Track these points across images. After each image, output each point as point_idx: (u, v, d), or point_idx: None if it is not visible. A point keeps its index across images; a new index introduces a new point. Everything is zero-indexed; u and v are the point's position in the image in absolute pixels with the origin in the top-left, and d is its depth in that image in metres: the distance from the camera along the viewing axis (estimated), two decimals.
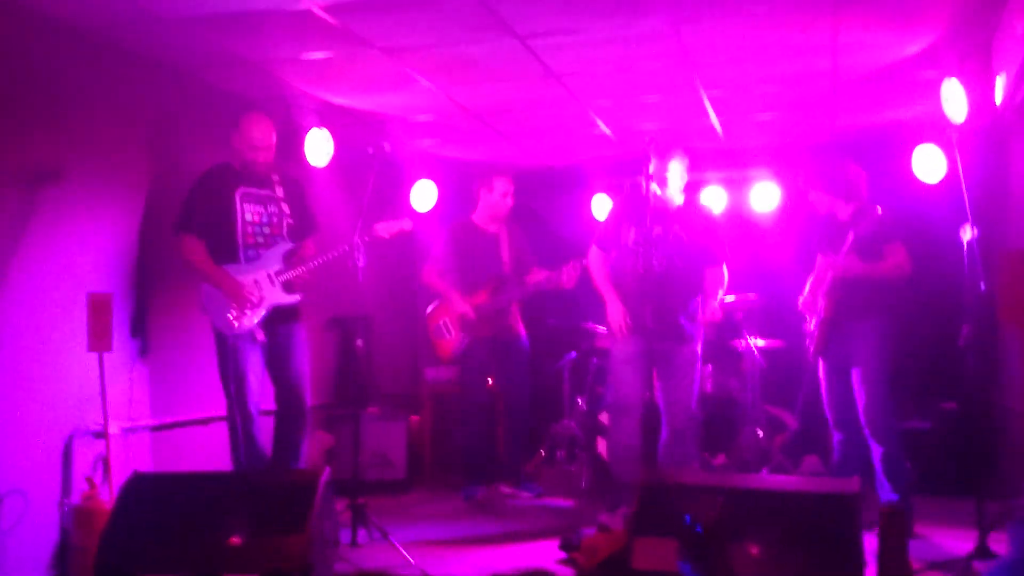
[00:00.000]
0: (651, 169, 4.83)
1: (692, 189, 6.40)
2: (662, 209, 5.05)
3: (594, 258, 5.38)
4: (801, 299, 5.21)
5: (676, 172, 5.15)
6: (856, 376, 4.88)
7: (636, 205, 5.13)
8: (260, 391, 4.76)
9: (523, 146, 7.07)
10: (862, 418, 4.84)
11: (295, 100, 5.68)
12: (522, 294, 6.00)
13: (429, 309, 6.21)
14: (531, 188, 7.70)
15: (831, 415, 5.11)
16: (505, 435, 6.23)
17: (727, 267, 5.28)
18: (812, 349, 5.10)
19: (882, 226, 4.80)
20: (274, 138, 4.87)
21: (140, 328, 4.91)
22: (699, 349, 5.17)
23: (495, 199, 6.08)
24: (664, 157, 5.09)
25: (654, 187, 4.96)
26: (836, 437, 5.11)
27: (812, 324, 5.11)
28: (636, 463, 5.02)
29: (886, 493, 4.78)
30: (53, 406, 4.29)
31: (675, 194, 5.20)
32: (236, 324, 4.62)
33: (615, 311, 5.15)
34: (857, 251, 4.83)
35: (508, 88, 5.59)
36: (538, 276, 5.97)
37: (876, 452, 4.81)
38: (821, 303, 4.99)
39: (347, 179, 6.18)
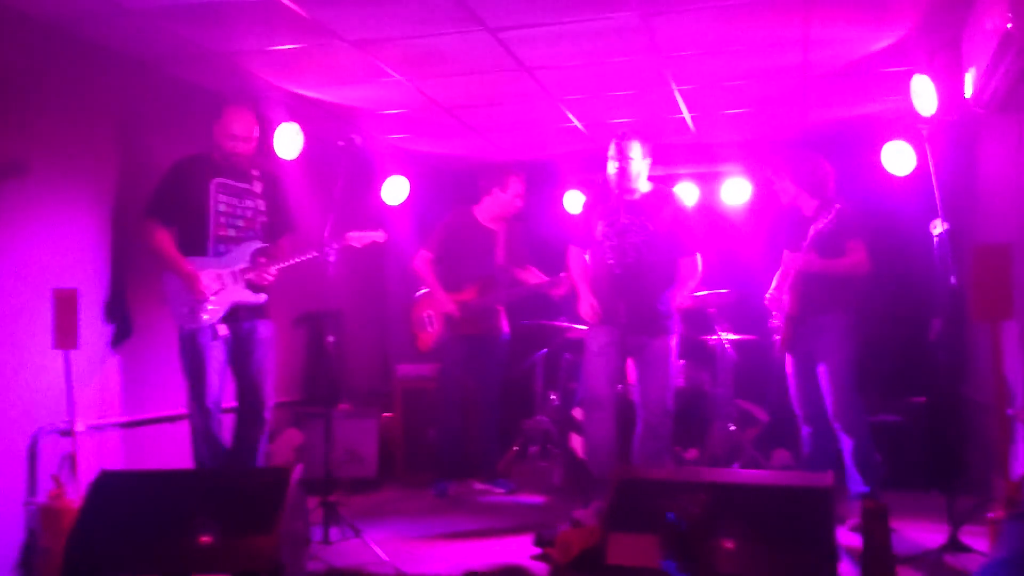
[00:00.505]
0: (609, 160, 4.92)
1: (664, 182, 6.40)
2: (627, 200, 5.02)
3: (572, 256, 5.36)
4: (768, 295, 5.23)
5: (633, 160, 5.02)
6: (822, 370, 4.91)
7: (603, 199, 5.16)
8: (221, 387, 4.71)
9: (494, 140, 7.05)
10: (830, 412, 4.86)
11: (264, 93, 5.62)
12: (509, 297, 5.96)
13: (417, 295, 6.15)
14: None
15: (799, 410, 5.14)
16: (477, 431, 6.20)
17: (701, 257, 5.24)
18: (779, 344, 5.11)
19: (843, 223, 4.84)
20: (256, 131, 4.83)
21: (114, 323, 4.85)
22: (675, 343, 5.12)
23: (508, 198, 6.01)
24: (619, 146, 5.01)
25: (613, 177, 4.99)
26: (805, 431, 5.14)
27: (777, 319, 5.13)
28: (609, 457, 5.02)
29: (856, 486, 4.81)
30: (18, 404, 4.21)
31: (638, 183, 5.15)
32: (192, 318, 4.56)
33: (584, 304, 5.15)
34: (818, 247, 4.86)
35: (479, 82, 5.56)
36: (532, 279, 5.93)
37: (846, 445, 4.83)
38: (786, 298, 5.02)
39: (317, 172, 6.12)
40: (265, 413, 4.88)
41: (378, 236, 5.00)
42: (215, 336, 4.63)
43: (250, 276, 4.71)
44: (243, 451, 4.80)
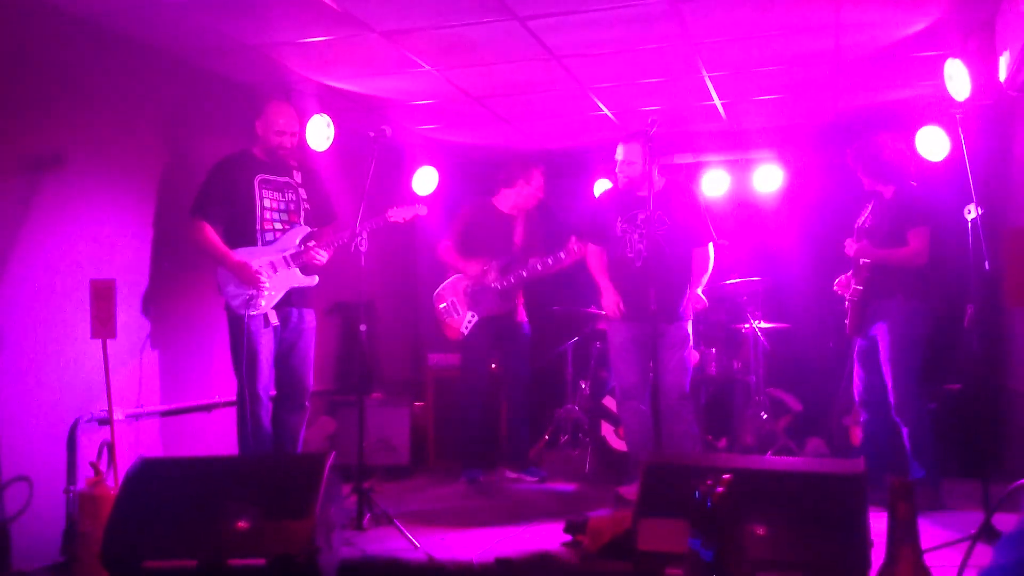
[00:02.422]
0: (617, 157, 5.19)
1: (693, 170, 6.37)
2: (642, 195, 5.00)
3: (589, 253, 5.52)
4: (837, 281, 5.21)
5: (634, 164, 5.19)
6: (883, 356, 4.91)
7: (618, 194, 5.35)
8: (270, 375, 4.80)
9: (524, 130, 7.05)
10: (890, 398, 4.86)
11: (295, 85, 5.67)
12: (529, 275, 5.98)
13: (437, 290, 6.20)
14: None
15: (857, 394, 5.16)
16: (507, 420, 6.23)
17: (726, 246, 5.30)
18: (847, 328, 5.12)
19: (903, 208, 4.83)
20: (298, 124, 4.97)
21: (152, 314, 4.93)
22: (689, 328, 5.25)
23: (531, 191, 6.09)
24: (622, 151, 5.23)
25: (620, 182, 5.23)
26: (862, 416, 5.17)
27: (847, 304, 5.14)
28: (647, 442, 5.05)
29: (915, 471, 4.84)
30: (58, 393, 4.28)
31: (650, 181, 5.13)
32: (251, 305, 4.66)
33: (608, 299, 5.31)
34: (880, 233, 4.87)
35: (508, 71, 5.56)
36: (541, 259, 5.96)
37: (903, 432, 4.87)
38: (852, 282, 5.03)
39: (348, 163, 6.16)
40: (306, 401, 4.97)
41: (420, 210, 5.13)
42: (267, 324, 4.74)
43: (303, 258, 4.81)
44: (283, 438, 4.88)
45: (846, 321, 5.14)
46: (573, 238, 5.70)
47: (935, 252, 4.92)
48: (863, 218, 5.17)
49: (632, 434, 5.28)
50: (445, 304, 6.10)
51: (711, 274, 5.40)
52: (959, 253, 4.58)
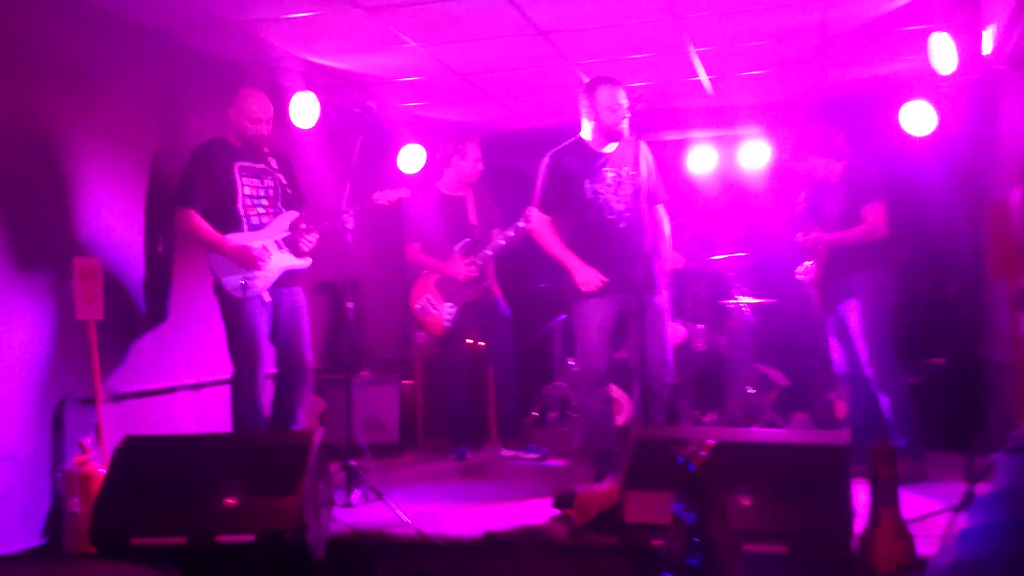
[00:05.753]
0: (584, 112, 4.82)
1: (680, 148, 6.34)
2: (608, 154, 4.76)
3: (539, 223, 4.94)
4: (800, 268, 5.20)
5: (610, 104, 4.76)
6: (854, 330, 4.93)
7: (579, 156, 4.86)
8: (268, 355, 4.84)
9: (510, 106, 7.02)
10: (866, 370, 4.89)
11: (279, 62, 5.63)
12: (494, 251, 5.97)
13: (410, 293, 6.19)
14: (519, 150, 7.68)
15: (837, 369, 5.19)
16: (498, 399, 6.24)
17: (667, 208, 5.03)
18: (815, 308, 5.14)
19: (856, 185, 4.84)
20: (271, 111, 4.92)
21: (150, 305, 4.96)
22: (666, 299, 4.94)
23: (468, 165, 6.06)
24: (591, 93, 4.80)
25: (588, 131, 4.83)
26: (844, 391, 5.19)
27: (811, 287, 5.16)
28: (610, 430, 4.95)
29: (897, 441, 4.86)
30: (44, 372, 4.27)
31: (619, 130, 4.80)
32: (248, 289, 4.65)
33: (584, 273, 4.72)
34: (834, 217, 4.88)
35: (494, 47, 5.54)
36: (502, 233, 5.92)
37: (883, 402, 4.89)
38: (813, 266, 5.05)
39: (333, 141, 6.14)
40: (308, 376, 4.99)
41: (403, 193, 5.13)
42: (263, 303, 4.76)
43: (297, 242, 4.83)
44: (285, 415, 4.92)
45: (813, 303, 5.16)
46: (530, 207, 5.63)
47: (898, 222, 4.93)
48: (801, 205, 5.18)
49: (600, 424, 4.88)
50: (420, 304, 6.09)
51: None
52: (943, 227, 4.60)
